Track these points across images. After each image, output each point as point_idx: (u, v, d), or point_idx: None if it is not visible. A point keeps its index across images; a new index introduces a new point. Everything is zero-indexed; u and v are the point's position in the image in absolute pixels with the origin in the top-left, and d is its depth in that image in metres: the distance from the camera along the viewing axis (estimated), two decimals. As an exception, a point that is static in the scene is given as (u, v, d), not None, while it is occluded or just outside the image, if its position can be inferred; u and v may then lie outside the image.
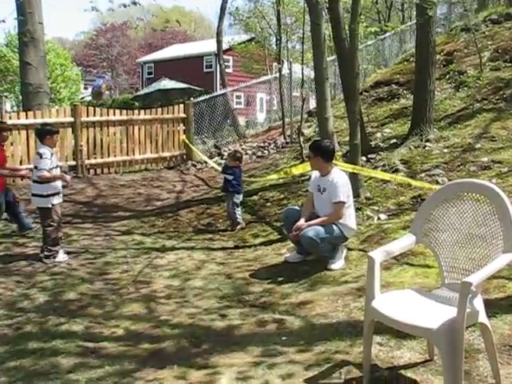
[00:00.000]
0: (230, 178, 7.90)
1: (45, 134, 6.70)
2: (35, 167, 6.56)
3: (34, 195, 6.61)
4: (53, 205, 6.58)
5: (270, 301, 4.92)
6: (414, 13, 15.19)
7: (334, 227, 5.57)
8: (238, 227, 7.78)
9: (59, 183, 6.70)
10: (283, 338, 4.04)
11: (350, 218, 5.72)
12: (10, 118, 11.37)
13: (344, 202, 5.59)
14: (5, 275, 6.05)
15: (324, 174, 5.77)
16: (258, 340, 4.05)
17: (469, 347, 3.39)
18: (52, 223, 6.61)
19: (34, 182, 6.59)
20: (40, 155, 6.51)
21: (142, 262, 6.52)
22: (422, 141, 8.94)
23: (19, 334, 4.45)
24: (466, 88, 10.95)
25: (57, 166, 6.70)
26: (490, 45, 12.36)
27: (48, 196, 6.53)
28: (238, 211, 7.89)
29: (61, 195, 6.81)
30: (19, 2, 12.28)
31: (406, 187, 7.33)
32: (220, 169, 8.86)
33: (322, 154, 5.73)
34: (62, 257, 6.63)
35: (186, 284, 5.61)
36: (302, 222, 5.66)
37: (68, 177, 6.82)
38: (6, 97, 41.63)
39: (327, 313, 4.44)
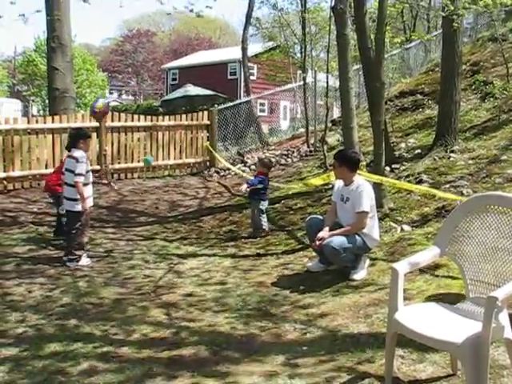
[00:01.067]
0: (260, 186, 7.86)
1: (79, 137, 6.76)
2: (70, 171, 6.60)
3: (65, 198, 6.66)
4: (84, 209, 6.60)
5: (291, 310, 4.91)
6: (440, 22, 15.09)
7: (357, 237, 5.54)
8: (263, 234, 7.76)
9: (90, 188, 6.74)
10: (304, 348, 4.02)
11: (373, 229, 5.68)
12: (37, 121, 11.52)
13: (367, 212, 5.56)
14: (29, 277, 6.12)
15: (348, 183, 5.75)
16: (279, 349, 4.04)
17: (493, 363, 3.33)
18: (79, 227, 6.64)
19: (67, 184, 6.63)
20: (76, 159, 6.53)
21: (164, 267, 6.55)
22: (446, 152, 8.86)
23: (40, 336, 4.49)
24: (492, 99, 10.83)
25: (89, 171, 6.71)
26: (517, 55, 12.22)
27: (79, 200, 6.55)
28: (264, 218, 7.86)
29: (91, 199, 6.83)
30: (49, 6, 12.47)
31: (430, 198, 7.26)
32: (244, 174, 8.90)
33: (347, 163, 5.72)
34: (85, 261, 6.67)
35: (208, 291, 5.61)
36: (325, 231, 5.63)
37: (87, 206, 6.65)
38: (32, 101, 42.31)
39: (349, 323, 4.41)
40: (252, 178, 8.41)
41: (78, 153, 6.61)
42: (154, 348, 4.19)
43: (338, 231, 5.59)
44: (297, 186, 9.36)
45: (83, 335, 4.49)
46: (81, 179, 6.49)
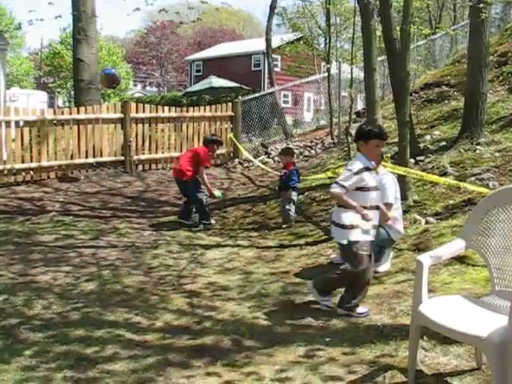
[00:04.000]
0: (295, 180, 7.97)
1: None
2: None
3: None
4: (349, 242, 4.56)
5: (314, 301, 4.91)
6: (467, 12, 14.89)
7: (381, 230, 5.51)
8: (287, 224, 7.82)
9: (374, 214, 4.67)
10: (327, 339, 4.02)
11: (397, 221, 5.65)
12: (63, 112, 11.63)
13: (391, 204, 5.53)
14: (55, 265, 6.20)
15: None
16: (302, 340, 4.04)
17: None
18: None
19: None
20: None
21: (188, 257, 6.59)
22: (472, 144, 8.76)
23: (65, 322, 4.56)
24: (520, 90, 10.68)
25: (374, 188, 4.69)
26: (546, 46, 12.02)
27: (347, 228, 4.57)
28: (293, 208, 7.91)
29: (371, 232, 4.66)
30: (74, 0, 12.57)
31: (455, 191, 7.19)
32: (265, 167, 8.87)
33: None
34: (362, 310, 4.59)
35: (231, 281, 5.64)
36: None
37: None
38: (58, 92, 42.75)
39: (372, 315, 4.40)
40: (282, 171, 8.22)
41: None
42: (176, 336, 4.23)
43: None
44: (324, 176, 9.31)
45: (107, 323, 4.54)
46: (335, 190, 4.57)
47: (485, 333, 2.76)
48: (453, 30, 14.35)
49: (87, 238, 7.52)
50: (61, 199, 9.82)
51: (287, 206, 7.85)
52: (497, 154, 8.21)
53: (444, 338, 3.33)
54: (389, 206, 5.50)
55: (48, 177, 11.10)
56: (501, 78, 11.53)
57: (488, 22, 8.99)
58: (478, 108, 8.89)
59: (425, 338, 3.66)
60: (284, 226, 7.84)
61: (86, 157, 11.58)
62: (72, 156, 11.41)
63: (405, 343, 3.67)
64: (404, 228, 6.37)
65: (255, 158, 13.01)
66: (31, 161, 10.85)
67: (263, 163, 12.76)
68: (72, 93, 16.03)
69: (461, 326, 2.90)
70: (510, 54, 12.50)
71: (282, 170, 8.18)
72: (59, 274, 5.90)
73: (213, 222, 8.36)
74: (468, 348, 3.52)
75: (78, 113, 11.48)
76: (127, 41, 68.78)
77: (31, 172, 10.91)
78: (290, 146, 13.83)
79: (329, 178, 9.25)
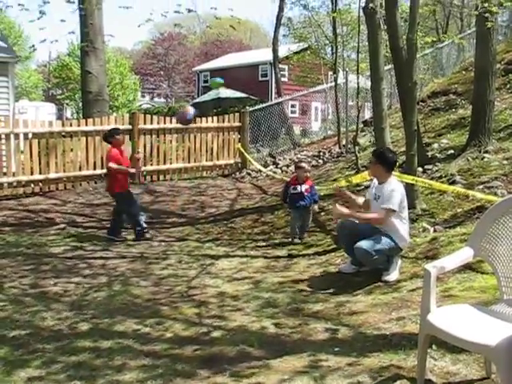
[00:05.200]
0: (315, 198, 7.65)
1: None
2: None
3: None
4: None
5: (323, 311, 4.91)
6: (474, 20, 14.90)
7: (388, 240, 5.51)
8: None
9: None
10: (336, 349, 4.01)
11: (404, 230, 5.65)
12: (71, 124, 11.71)
13: (394, 211, 5.53)
14: (65, 277, 6.23)
15: (381, 182, 5.74)
16: (310, 349, 4.04)
17: (528, 365, 3.29)
18: None
19: None
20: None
21: (197, 268, 6.61)
22: (480, 152, 8.74)
23: (74, 333, 4.58)
24: (527, 98, 10.67)
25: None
26: (553, 54, 12.01)
27: None
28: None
29: None
30: (82, 14, 12.68)
31: (463, 199, 7.18)
32: (277, 176, 8.79)
33: (383, 162, 5.73)
34: None
35: (240, 291, 5.64)
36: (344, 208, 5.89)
37: None
38: (67, 104, 43.03)
39: (381, 324, 4.39)
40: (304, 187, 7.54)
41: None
42: (185, 347, 4.24)
43: (356, 213, 5.82)
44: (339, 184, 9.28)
45: (116, 333, 4.55)
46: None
47: (493, 341, 2.75)
48: (460, 39, 14.35)
49: (96, 249, 7.55)
50: (69, 211, 9.86)
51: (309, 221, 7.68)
52: (505, 162, 8.19)
53: (453, 347, 3.33)
54: (390, 211, 5.51)
55: (56, 188, 11.17)
56: (508, 86, 11.53)
57: (495, 30, 9.00)
58: (485, 116, 8.88)
59: (434, 347, 3.64)
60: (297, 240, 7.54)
61: (94, 168, 11.64)
62: (80, 167, 11.48)
63: (414, 352, 3.66)
64: (412, 237, 6.37)
65: (264, 168, 13.03)
66: (40, 173, 10.93)
67: (273, 173, 12.78)
68: (80, 104, 16.15)
69: (469, 334, 2.89)
70: (516, 62, 12.50)
71: (302, 186, 7.50)
72: (69, 285, 5.94)
73: (121, 238, 8.06)
74: (477, 357, 3.51)
75: (86, 124, 11.57)
76: (135, 52, 69.25)
77: (40, 184, 10.98)
78: (299, 158, 13.82)
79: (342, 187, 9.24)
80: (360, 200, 6.23)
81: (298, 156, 14.91)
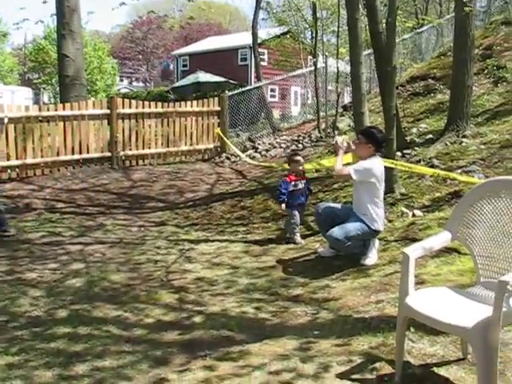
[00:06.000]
0: (309, 188, 7.14)
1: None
2: None
3: None
4: None
5: (302, 294, 4.93)
6: (452, 5, 14.95)
7: (362, 224, 5.51)
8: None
9: None
10: (315, 332, 4.04)
11: (376, 214, 5.60)
12: (48, 109, 11.56)
13: (353, 179, 5.56)
14: (42, 263, 6.18)
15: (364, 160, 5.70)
16: (291, 333, 4.06)
17: (504, 347, 3.34)
18: None
19: None
20: None
21: (176, 253, 6.59)
22: (458, 137, 8.81)
23: (53, 319, 4.56)
24: (504, 83, 10.75)
25: None
26: (530, 39, 12.11)
27: None
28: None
29: None
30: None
31: (442, 183, 7.23)
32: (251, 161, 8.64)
33: (376, 142, 5.65)
34: None
35: (219, 276, 5.65)
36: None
37: None
38: (43, 88, 42.45)
39: (360, 308, 4.43)
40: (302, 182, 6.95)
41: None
42: (165, 332, 4.24)
43: (338, 161, 5.78)
44: (310, 166, 9.29)
45: (96, 319, 4.54)
46: None
47: (470, 323, 2.79)
48: (438, 23, 14.41)
49: (74, 235, 7.50)
50: (47, 196, 9.77)
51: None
52: (482, 147, 8.27)
53: (431, 329, 3.36)
54: (350, 176, 5.55)
55: (34, 174, 11.03)
56: (486, 71, 11.61)
57: (473, 15, 9.04)
58: (463, 101, 8.94)
59: (412, 329, 3.69)
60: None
61: (72, 153, 11.52)
62: (58, 153, 11.35)
63: (392, 335, 3.70)
64: (391, 220, 6.42)
65: (243, 153, 13.01)
66: (16, 158, 10.78)
67: (251, 158, 12.76)
68: (57, 89, 15.93)
69: (446, 317, 2.93)
70: (494, 47, 12.59)
71: (301, 181, 6.92)
72: (46, 271, 5.89)
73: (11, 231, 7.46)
74: (454, 338, 3.55)
75: (64, 109, 11.41)
76: (113, 36, 68.41)
77: (17, 169, 10.84)
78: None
79: (316, 171, 9.27)
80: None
81: (278, 140, 14.88)
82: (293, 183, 6.85)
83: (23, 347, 3.99)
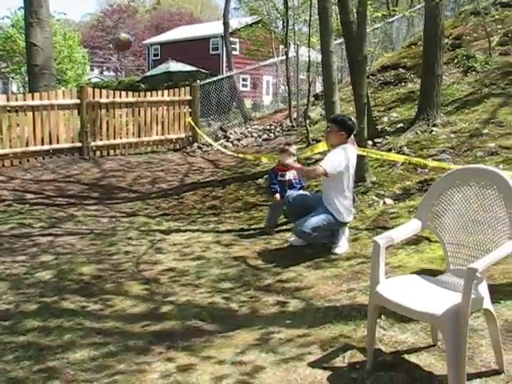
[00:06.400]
0: (303, 184, 6.86)
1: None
2: None
3: None
4: None
5: (273, 284, 4.93)
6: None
7: (328, 215, 5.52)
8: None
9: None
10: (287, 321, 4.04)
11: (342, 205, 5.58)
12: (16, 99, 11.35)
13: (325, 172, 5.42)
14: (10, 255, 6.08)
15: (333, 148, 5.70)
16: (262, 322, 4.06)
17: (473, 333, 3.38)
18: None
19: None
20: None
21: (147, 243, 6.54)
22: (428, 125, 8.88)
23: (21, 312, 4.49)
24: (474, 73, 10.85)
25: None
26: (499, 29, 12.22)
27: None
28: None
29: None
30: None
31: (412, 172, 7.30)
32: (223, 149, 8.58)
33: (347, 130, 5.62)
34: None
35: (191, 266, 5.62)
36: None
37: None
38: (12, 78, 41.68)
39: (331, 296, 4.44)
40: (286, 175, 6.76)
41: None
42: (136, 323, 4.21)
43: (296, 165, 6.13)
44: (266, 159, 9.28)
45: (66, 311, 4.48)
46: None
47: (439, 310, 2.81)
48: (409, 13, 14.46)
49: (44, 226, 7.39)
50: (16, 187, 9.61)
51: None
52: (452, 136, 8.36)
53: (401, 316, 3.39)
54: (321, 170, 5.46)
55: (3, 165, 10.85)
56: (456, 61, 11.70)
57: (442, 5, 9.10)
58: (433, 90, 9.01)
59: (383, 317, 3.71)
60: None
61: (42, 144, 11.35)
62: (27, 143, 11.17)
63: (363, 323, 3.72)
64: (362, 209, 6.45)
65: (215, 142, 12.96)
66: (-16, 148, 10.59)
67: (223, 147, 12.72)
68: (26, 78, 15.66)
69: (416, 304, 2.95)
70: (464, 37, 12.70)
71: (290, 172, 6.74)
72: (14, 263, 5.79)
73: None
74: (424, 325, 3.58)
75: (33, 99, 11.22)
76: (83, 24, 67.37)
77: (-15, 160, 10.65)
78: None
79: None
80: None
81: (249, 130, 14.84)
82: (280, 173, 6.76)
83: (-9, 341, 3.92)
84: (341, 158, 5.52)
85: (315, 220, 5.48)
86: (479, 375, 3.03)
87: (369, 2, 8.64)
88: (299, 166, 5.89)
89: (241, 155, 10.79)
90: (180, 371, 3.42)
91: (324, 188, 5.75)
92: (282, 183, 6.73)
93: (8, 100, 11.22)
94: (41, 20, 12.66)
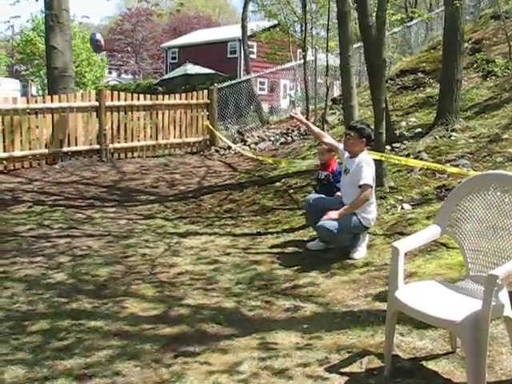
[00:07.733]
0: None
1: None
2: None
3: None
4: None
5: (290, 288, 4.92)
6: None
7: (353, 217, 5.51)
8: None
9: None
10: (304, 326, 4.03)
11: (369, 207, 5.62)
12: (36, 101, 11.46)
13: (371, 186, 5.51)
14: (28, 255, 6.12)
15: (353, 156, 5.70)
16: (279, 327, 4.05)
17: (492, 341, 3.35)
18: None
19: None
20: None
21: (164, 246, 6.55)
22: (447, 130, 8.82)
23: (33, 313, 4.51)
24: (493, 77, 10.77)
25: None
26: (519, 33, 12.12)
27: None
28: None
29: None
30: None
31: (431, 177, 7.25)
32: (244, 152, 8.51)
33: (368, 138, 5.70)
34: None
35: (208, 269, 5.62)
36: (333, 212, 5.49)
37: None
38: (32, 80, 42.11)
39: (348, 301, 4.43)
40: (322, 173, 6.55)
41: None
42: (155, 325, 4.21)
43: (344, 208, 5.48)
44: (285, 163, 9.27)
45: (84, 313, 4.49)
46: None
47: (459, 317, 2.79)
48: (428, 17, 14.41)
49: (62, 227, 7.44)
50: (35, 189, 9.69)
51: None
52: (471, 141, 8.29)
53: (420, 323, 3.36)
54: (367, 186, 5.47)
55: (22, 166, 10.95)
56: (475, 65, 11.62)
57: (462, 9, 9.04)
58: (452, 95, 8.95)
59: (401, 323, 3.69)
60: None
61: (61, 146, 11.45)
62: (46, 145, 11.27)
63: (381, 328, 3.70)
64: (380, 214, 6.41)
65: (234, 145, 12.98)
66: (4, 150, 10.69)
67: (241, 150, 12.74)
68: (46, 81, 15.79)
69: (435, 310, 2.93)
70: (484, 41, 12.61)
71: (322, 173, 6.54)
72: (32, 264, 5.82)
73: None
74: (443, 332, 3.56)
75: (52, 101, 11.32)
76: (101, 28, 67.87)
77: (4, 162, 10.75)
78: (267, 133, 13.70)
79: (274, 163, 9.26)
80: (314, 128, 6.49)
81: (267, 133, 14.85)
82: (318, 172, 6.69)
83: (2, 339, 3.95)
84: (373, 168, 5.62)
85: (342, 220, 5.45)
86: (499, 384, 3.00)
87: (388, 6, 8.60)
88: (347, 206, 5.56)
89: (260, 157, 10.80)
90: (197, 374, 3.42)
91: (349, 191, 5.67)
92: (320, 181, 6.57)
93: (28, 102, 11.34)
94: (61, 23, 12.78)
